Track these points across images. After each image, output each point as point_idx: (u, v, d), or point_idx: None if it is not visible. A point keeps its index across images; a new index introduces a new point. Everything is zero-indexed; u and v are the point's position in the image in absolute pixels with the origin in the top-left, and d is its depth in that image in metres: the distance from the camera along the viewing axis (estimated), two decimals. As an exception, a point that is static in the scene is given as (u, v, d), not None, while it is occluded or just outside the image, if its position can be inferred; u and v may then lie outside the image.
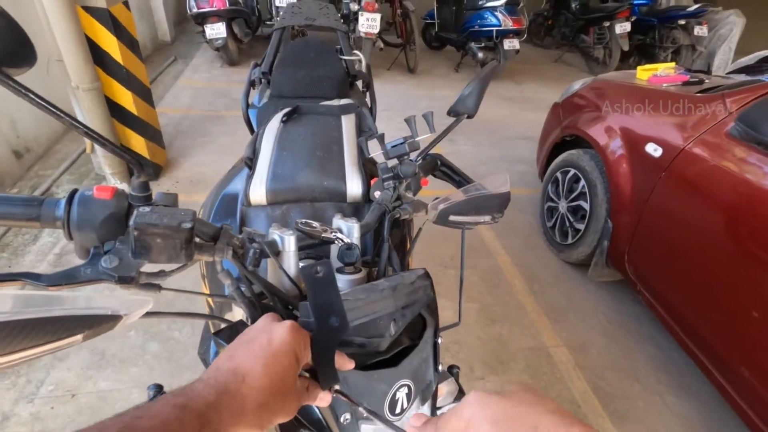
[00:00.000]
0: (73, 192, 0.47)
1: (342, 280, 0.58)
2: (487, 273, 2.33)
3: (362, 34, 4.44)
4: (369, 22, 4.34)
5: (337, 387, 0.50)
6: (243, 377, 0.39)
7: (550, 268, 2.42)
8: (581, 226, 2.23)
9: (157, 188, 2.65)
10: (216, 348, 0.60)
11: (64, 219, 0.46)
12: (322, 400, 0.48)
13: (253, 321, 0.50)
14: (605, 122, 2.11)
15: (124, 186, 2.63)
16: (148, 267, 0.48)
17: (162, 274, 0.49)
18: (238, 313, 0.67)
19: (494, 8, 4.90)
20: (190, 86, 4.29)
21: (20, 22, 0.43)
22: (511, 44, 4.96)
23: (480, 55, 5.16)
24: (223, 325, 0.53)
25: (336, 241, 0.59)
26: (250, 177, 0.79)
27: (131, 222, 0.44)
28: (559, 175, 2.45)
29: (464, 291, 2.54)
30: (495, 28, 4.87)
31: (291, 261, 0.57)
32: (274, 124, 0.97)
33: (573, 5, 6.25)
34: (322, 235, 0.58)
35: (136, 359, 1.67)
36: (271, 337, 0.43)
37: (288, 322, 0.45)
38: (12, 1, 2.45)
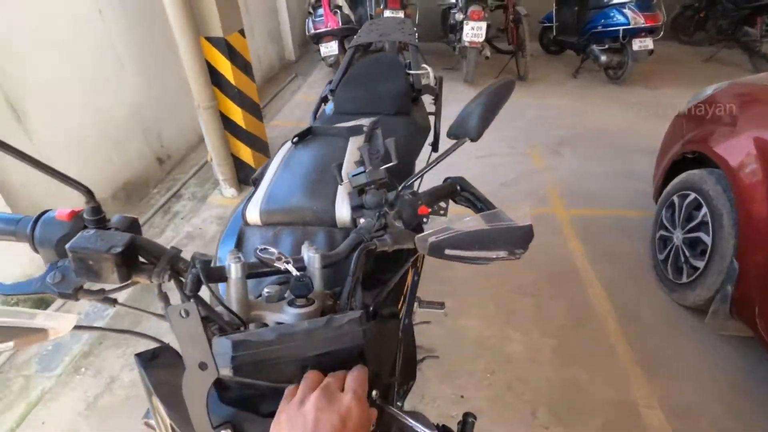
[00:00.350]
0: (42, 213, 0.55)
1: (290, 314, 0.56)
2: (573, 305, 2.05)
3: (467, 44, 4.34)
4: (474, 31, 4.22)
5: None
6: None
7: (656, 309, 2.03)
8: (700, 264, 1.83)
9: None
10: (139, 368, 0.58)
11: (29, 236, 0.54)
12: None
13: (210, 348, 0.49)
14: (740, 137, 1.70)
15: (231, 191, 3.01)
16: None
17: (101, 292, 0.54)
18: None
19: (622, 5, 4.34)
20: (305, 101, 4.69)
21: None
22: (642, 44, 4.33)
23: (603, 58, 4.61)
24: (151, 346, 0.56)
25: (288, 272, 0.57)
26: (250, 197, 0.83)
27: (67, 245, 0.50)
28: (676, 198, 2.05)
29: (541, 323, 2.28)
30: (622, 27, 4.31)
31: (236, 288, 0.56)
32: (287, 145, 0.99)
33: (734, -8, 5.20)
34: (275, 263, 0.57)
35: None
36: (344, 419, 0.42)
37: (356, 396, 0.44)
38: (166, 37, 2.99)
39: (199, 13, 2.34)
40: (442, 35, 5.56)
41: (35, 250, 0.56)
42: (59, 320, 0.47)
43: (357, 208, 0.69)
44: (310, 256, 0.61)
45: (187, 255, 0.58)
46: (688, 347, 1.84)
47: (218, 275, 0.57)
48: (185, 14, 2.26)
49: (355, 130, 1.05)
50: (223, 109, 2.66)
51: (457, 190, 0.82)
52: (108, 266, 0.50)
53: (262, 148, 2.99)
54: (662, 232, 2.15)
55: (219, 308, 0.56)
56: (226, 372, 0.48)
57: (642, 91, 4.67)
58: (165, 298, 0.55)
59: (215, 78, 2.55)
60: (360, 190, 0.70)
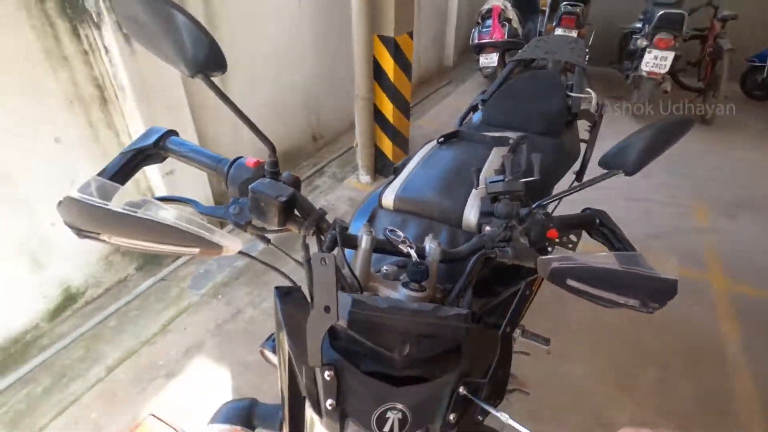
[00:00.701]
0: (237, 158, 0.69)
1: (402, 293, 0.61)
2: (708, 392, 1.73)
3: (644, 73, 3.89)
4: (656, 61, 3.76)
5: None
6: None
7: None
8: None
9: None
10: (276, 298, 0.67)
11: (225, 173, 0.69)
12: None
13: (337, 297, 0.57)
14: None
15: (367, 178, 3.23)
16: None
17: (263, 230, 0.66)
18: None
19: None
20: (453, 106, 4.76)
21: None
22: None
23: (829, 112, 3.70)
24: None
25: (409, 256, 0.62)
26: (389, 183, 0.89)
27: (250, 186, 0.63)
28: None
29: (661, 399, 2.00)
30: None
31: (363, 257, 0.64)
32: (431, 143, 1.03)
33: None
34: (399, 246, 0.63)
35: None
36: None
37: None
38: (343, 32, 3.34)
39: (378, 12, 2.56)
40: (616, 60, 5.08)
41: (226, 186, 0.70)
42: (231, 241, 0.58)
43: (486, 214, 0.71)
44: (432, 247, 0.65)
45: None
46: None
47: (351, 242, 0.65)
48: (367, 12, 2.49)
49: (501, 141, 1.06)
50: (377, 102, 2.88)
51: (595, 223, 0.78)
52: (272, 210, 0.61)
53: (402, 143, 3.14)
54: None
55: (345, 270, 0.63)
56: (342, 322, 0.54)
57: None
58: (306, 248, 0.65)
59: (377, 73, 2.77)
60: (493, 198, 0.70)
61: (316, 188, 3.11)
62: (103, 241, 0.54)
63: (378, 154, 3.10)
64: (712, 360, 1.86)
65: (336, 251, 0.64)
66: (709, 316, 2.08)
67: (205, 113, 2.43)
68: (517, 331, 1.36)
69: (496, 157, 1.00)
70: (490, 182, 0.70)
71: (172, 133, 0.73)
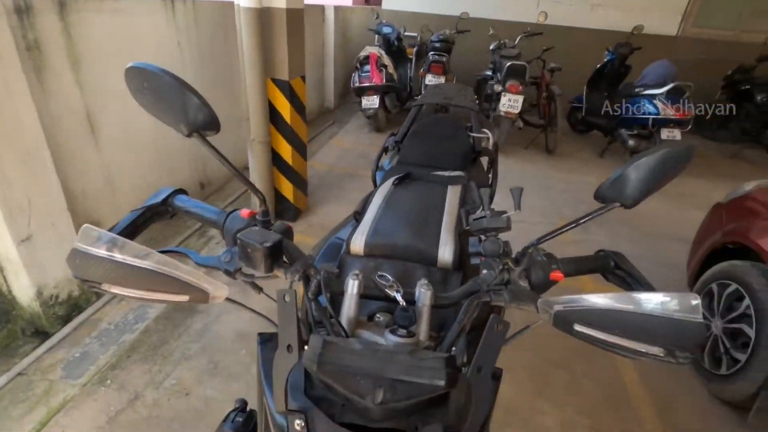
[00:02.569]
0: (233, 210, 0.71)
1: (388, 339, 0.59)
2: (606, 386, 2.00)
3: (502, 113, 4.56)
4: (510, 103, 4.45)
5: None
6: None
7: (694, 400, 1.96)
8: (741, 356, 1.79)
9: (294, 228, 3.02)
10: (258, 345, 0.70)
11: (221, 225, 0.70)
12: None
13: (300, 337, 0.59)
14: (786, 234, 1.73)
15: (275, 221, 3.08)
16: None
17: (252, 277, 0.65)
18: None
19: (653, 96, 4.58)
20: (340, 147, 4.89)
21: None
22: (670, 134, 4.51)
23: (631, 142, 4.79)
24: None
25: (396, 301, 0.61)
26: (354, 228, 0.87)
27: (237, 234, 0.63)
28: (714, 287, 2.05)
29: (575, 399, 2.20)
30: (652, 117, 4.52)
31: (350, 303, 0.63)
32: (387, 185, 1.06)
33: (758, 98, 5.46)
34: (386, 290, 0.61)
35: (240, 376, 1.84)
36: None
37: None
38: (228, 75, 3.23)
39: (270, 56, 2.54)
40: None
41: (222, 235, 0.70)
42: (219, 289, 0.59)
43: (475, 254, 0.72)
44: (422, 292, 0.64)
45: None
46: (729, 445, 1.76)
47: (337, 287, 0.65)
48: (259, 56, 2.45)
49: (453, 180, 1.12)
50: (275, 145, 2.80)
51: (610, 266, 0.71)
52: (259, 256, 0.61)
53: (302, 185, 3.09)
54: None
55: (333, 320, 0.61)
56: (313, 367, 0.50)
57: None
58: (291, 294, 0.61)
59: (273, 116, 2.71)
60: (479, 237, 0.71)
61: (212, 239, 2.84)
62: (104, 291, 0.58)
63: (278, 198, 2.98)
64: (604, 358, 2.17)
65: (299, 288, 0.64)
66: (590, 316, 2.43)
67: (73, 165, 2.06)
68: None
69: (452, 194, 1.05)
70: (474, 220, 0.69)
71: (180, 192, 0.78)
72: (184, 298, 0.57)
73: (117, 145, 2.36)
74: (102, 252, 0.55)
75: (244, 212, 0.70)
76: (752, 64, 5.72)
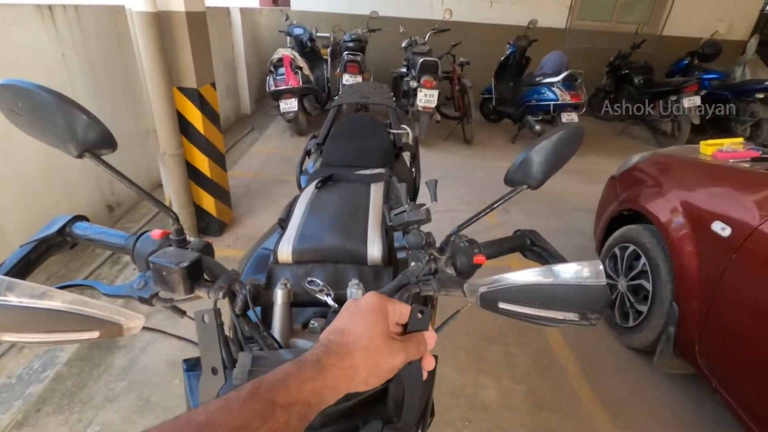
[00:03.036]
0: (143, 232, 0.66)
1: None
2: (536, 352, 2.16)
3: (420, 108, 4.71)
4: (426, 98, 4.61)
5: None
6: (342, 331, 0.44)
7: (610, 353, 2.20)
8: (643, 308, 2.04)
9: (219, 243, 2.86)
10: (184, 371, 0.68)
11: (131, 249, 0.65)
12: (426, 360, 0.50)
13: (226, 358, 0.57)
14: (666, 198, 2.00)
15: (192, 239, 2.90)
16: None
17: (171, 301, 0.61)
18: None
19: (551, 84, 5.01)
20: (262, 153, 4.73)
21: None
22: (569, 118, 4.97)
23: (537, 127, 5.21)
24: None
25: (327, 305, 0.61)
26: (280, 237, 0.86)
27: (150, 258, 0.58)
28: (617, 250, 2.31)
29: (511, 370, 2.35)
30: (552, 103, 4.95)
31: (280, 313, 0.61)
32: (310, 189, 1.05)
33: (636, 80, 6.21)
34: (317, 295, 0.61)
35: (176, 408, 1.71)
36: (359, 302, 0.48)
37: (369, 293, 0.49)
38: (128, 84, 2.98)
39: (174, 64, 2.38)
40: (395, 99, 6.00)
41: (134, 261, 0.66)
42: (133, 319, 0.55)
43: (401, 249, 0.74)
44: (353, 292, 0.65)
45: None
46: (643, 388, 1.99)
47: (265, 300, 0.63)
48: (162, 65, 2.28)
49: (375, 177, 1.13)
50: (189, 157, 2.63)
51: (527, 244, 0.76)
52: (176, 278, 0.58)
53: (224, 197, 2.94)
54: (607, 281, 2.37)
55: (265, 333, 0.60)
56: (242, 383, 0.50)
57: (572, 157, 5.27)
58: (211, 314, 0.59)
59: (184, 127, 2.54)
60: (404, 231, 0.72)
61: (127, 265, 2.60)
62: None
63: (199, 213, 2.81)
64: (534, 329, 2.35)
65: (217, 306, 0.61)
66: (518, 292, 2.61)
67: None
68: None
69: (376, 192, 1.06)
70: (395, 215, 0.70)
71: (80, 218, 0.71)
72: (94, 334, 0.53)
73: (-2, 172, 2.06)
74: None
75: (156, 233, 0.66)
76: (628, 51, 6.49)
